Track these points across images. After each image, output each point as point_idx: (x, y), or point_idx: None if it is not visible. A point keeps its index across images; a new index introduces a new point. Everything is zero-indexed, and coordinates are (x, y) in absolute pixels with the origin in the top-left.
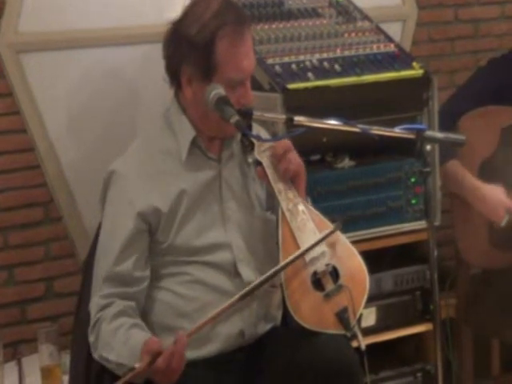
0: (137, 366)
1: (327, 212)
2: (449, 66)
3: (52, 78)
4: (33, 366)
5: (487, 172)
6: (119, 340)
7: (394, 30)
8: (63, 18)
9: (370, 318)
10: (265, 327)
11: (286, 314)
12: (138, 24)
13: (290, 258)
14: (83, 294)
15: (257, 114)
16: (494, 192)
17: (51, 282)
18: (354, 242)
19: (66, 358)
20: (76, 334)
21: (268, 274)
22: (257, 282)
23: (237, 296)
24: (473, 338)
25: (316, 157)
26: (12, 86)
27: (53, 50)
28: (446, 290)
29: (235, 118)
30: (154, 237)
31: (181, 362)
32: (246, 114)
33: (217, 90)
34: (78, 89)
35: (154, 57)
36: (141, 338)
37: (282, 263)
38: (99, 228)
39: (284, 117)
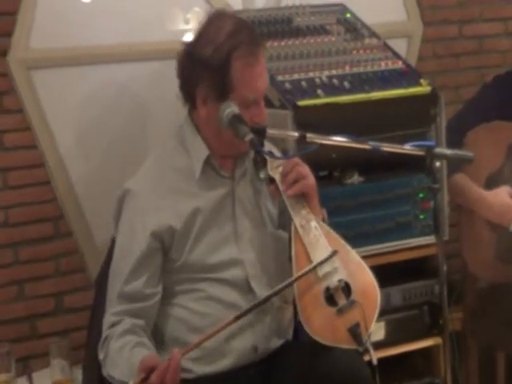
0: (131, 382)
1: (336, 228)
2: (454, 81)
3: (62, 94)
4: (44, 381)
5: (493, 186)
6: (123, 358)
7: (399, 46)
8: (74, 35)
9: (379, 332)
10: (277, 342)
11: (297, 330)
12: (147, 41)
13: (301, 272)
14: (96, 310)
15: (270, 131)
16: (499, 196)
17: (61, 297)
18: (363, 258)
19: (78, 373)
20: (89, 350)
21: (276, 288)
22: (264, 296)
23: (238, 313)
24: (478, 351)
25: (324, 172)
26: (23, 102)
27: (63, 67)
28: (452, 303)
29: (250, 136)
30: (167, 255)
31: (175, 378)
32: (260, 132)
33: (231, 108)
34: (88, 105)
35: (162, 73)
36: (142, 355)
37: (292, 278)
38: (112, 244)
39: (297, 134)
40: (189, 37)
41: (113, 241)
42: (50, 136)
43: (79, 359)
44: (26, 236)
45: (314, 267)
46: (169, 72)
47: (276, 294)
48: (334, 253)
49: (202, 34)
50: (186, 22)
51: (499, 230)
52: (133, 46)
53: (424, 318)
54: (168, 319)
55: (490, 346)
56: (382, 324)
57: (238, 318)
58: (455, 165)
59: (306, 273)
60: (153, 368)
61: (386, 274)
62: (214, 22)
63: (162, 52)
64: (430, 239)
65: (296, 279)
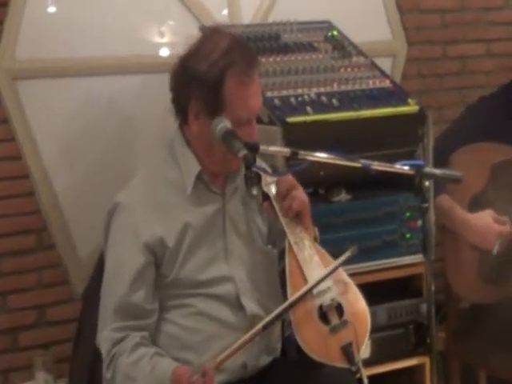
0: None
1: (323, 245)
2: (437, 101)
3: (47, 106)
4: None
5: (477, 207)
6: (142, 370)
7: (384, 65)
8: (60, 46)
9: (364, 350)
10: (266, 359)
11: (285, 347)
12: (135, 54)
13: (308, 286)
14: (82, 323)
15: (263, 147)
16: (483, 219)
17: (44, 310)
18: (350, 275)
19: None
20: (75, 364)
21: (285, 304)
22: (278, 311)
23: (261, 324)
24: (461, 371)
25: (310, 190)
26: (8, 112)
27: (49, 78)
28: (436, 323)
29: (243, 152)
30: (158, 270)
31: None
32: (253, 148)
33: (223, 123)
34: (73, 117)
35: (149, 87)
36: (166, 365)
37: (294, 296)
38: (100, 258)
39: (289, 151)
40: (182, 51)
41: (102, 255)
42: (34, 147)
43: (62, 372)
44: (8, 248)
45: (318, 282)
46: (155, 86)
47: (288, 309)
48: (335, 268)
49: (197, 49)
50: (175, 36)
51: (482, 250)
52: (119, 59)
53: (409, 337)
54: (159, 335)
55: (472, 366)
56: (368, 342)
57: (265, 327)
58: (440, 186)
59: (312, 288)
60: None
61: (372, 293)
62: (211, 38)
63: (149, 66)
64: (416, 258)
65: (304, 294)
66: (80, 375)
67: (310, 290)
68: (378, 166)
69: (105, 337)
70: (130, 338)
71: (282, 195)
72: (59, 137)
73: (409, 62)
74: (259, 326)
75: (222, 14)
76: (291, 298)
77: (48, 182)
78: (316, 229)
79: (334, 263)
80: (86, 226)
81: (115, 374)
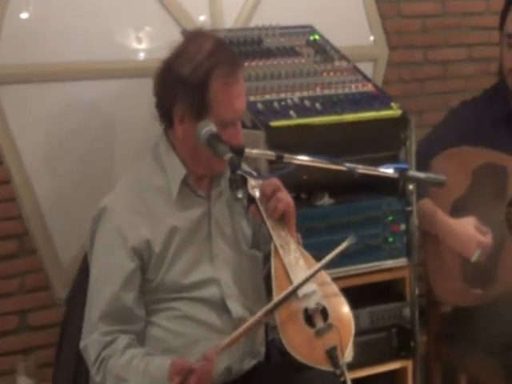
0: None
1: (306, 249)
2: (418, 106)
3: (29, 110)
4: None
5: (459, 212)
6: (135, 370)
7: (365, 69)
8: (42, 51)
9: (348, 354)
10: (250, 363)
11: (269, 350)
12: (117, 59)
13: (292, 287)
14: (66, 328)
15: (248, 150)
16: (465, 227)
17: (25, 315)
18: (333, 279)
19: None
20: (59, 369)
21: (269, 305)
22: (264, 309)
23: (261, 312)
24: (442, 374)
25: (293, 194)
26: None
27: (30, 83)
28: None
29: (229, 155)
30: (144, 275)
31: (210, 380)
32: (238, 151)
33: (208, 127)
34: (55, 122)
35: (132, 91)
36: (160, 361)
37: (279, 297)
38: (84, 263)
39: (274, 154)
40: (165, 55)
41: (85, 258)
42: (15, 152)
43: (44, 378)
44: None
45: (303, 283)
46: (138, 90)
47: (274, 308)
48: (318, 270)
49: (181, 52)
50: (158, 40)
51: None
52: (102, 64)
53: (392, 341)
54: (144, 338)
55: (452, 369)
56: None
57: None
58: (422, 189)
59: (297, 288)
60: (189, 370)
61: (355, 296)
62: (194, 40)
63: (131, 70)
64: (399, 262)
65: (289, 295)
66: (63, 380)
67: (297, 288)
68: (362, 169)
69: (93, 340)
70: (119, 339)
71: (268, 197)
72: (41, 142)
73: (390, 67)
74: (259, 313)
75: (203, 19)
76: (279, 296)
77: (30, 187)
78: (299, 235)
79: (321, 262)
80: (68, 231)
81: (106, 376)
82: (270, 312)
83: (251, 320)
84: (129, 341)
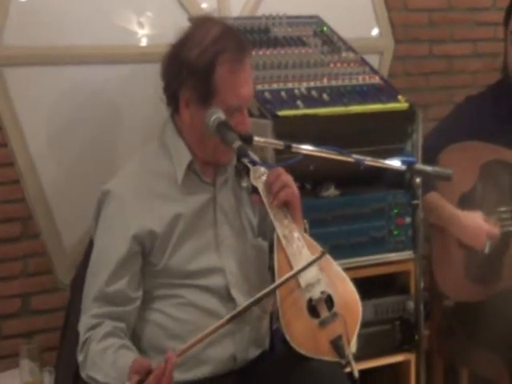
0: None
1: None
2: (423, 100)
3: (34, 93)
4: (11, 381)
5: (466, 206)
6: (107, 361)
7: (371, 62)
8: (48, 34)
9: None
10: (255, 352)
11: (273, 340)
12: (123, 43)
13: (284, 277)
14: (70, 312)
15: (256, 139)
16: (474, 219)
17: (28, 299)
18: None
19: (45, 376)
20: (64, 352)
21: (257, 295)
22: (247, 303)
23: (227, 316)
24: (443, 368)
25: (298, 184)
26: None
27: (36, 65)
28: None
29: (238, 143)
30: (147, 259)
31: (170, 382)
32: (247, 140)
33: (217, 115)
34: (61, 105)
35: (137, 76)
36: (129, 358)
37: (275, 283)
38: (90, 246)
39: (282, 143)
40: (173, 40)
41: (91, 242)
42: (20, 135)
43: (46, 361)
44: None
45: (298, 272)
46: (142, 75)
47: (257, 302)
48: (320, 256)
49: (188, 37)
50: (162, 27)
51: (469, 249)
52: (108, 49)
53: (395, 334)
54: (146, 325)
55: (454, 363)
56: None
57: (232, 318)
58: (429, 183)
59: (290, 277)
60: (147, 370)
61: (359, 288)
62: (202, 25)
63: (136, 55)
64: (403, 255)
65: (280, 284)
66: (67, 364)
67: (286, 280)
68: (370, 161)
69: (83, 322)
70: (103, 325)
71: (271, 181)
72: (45, 124)
73: (395, 60)
74: (225, 318)
75: (210, 6)
76: (260, 292)
77: (34, 169)
78: (306, 221)
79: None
80: (71, 215)
81: (86, 358)
82: (237, 316)
83: (218, 323)
84: (111, 329)
